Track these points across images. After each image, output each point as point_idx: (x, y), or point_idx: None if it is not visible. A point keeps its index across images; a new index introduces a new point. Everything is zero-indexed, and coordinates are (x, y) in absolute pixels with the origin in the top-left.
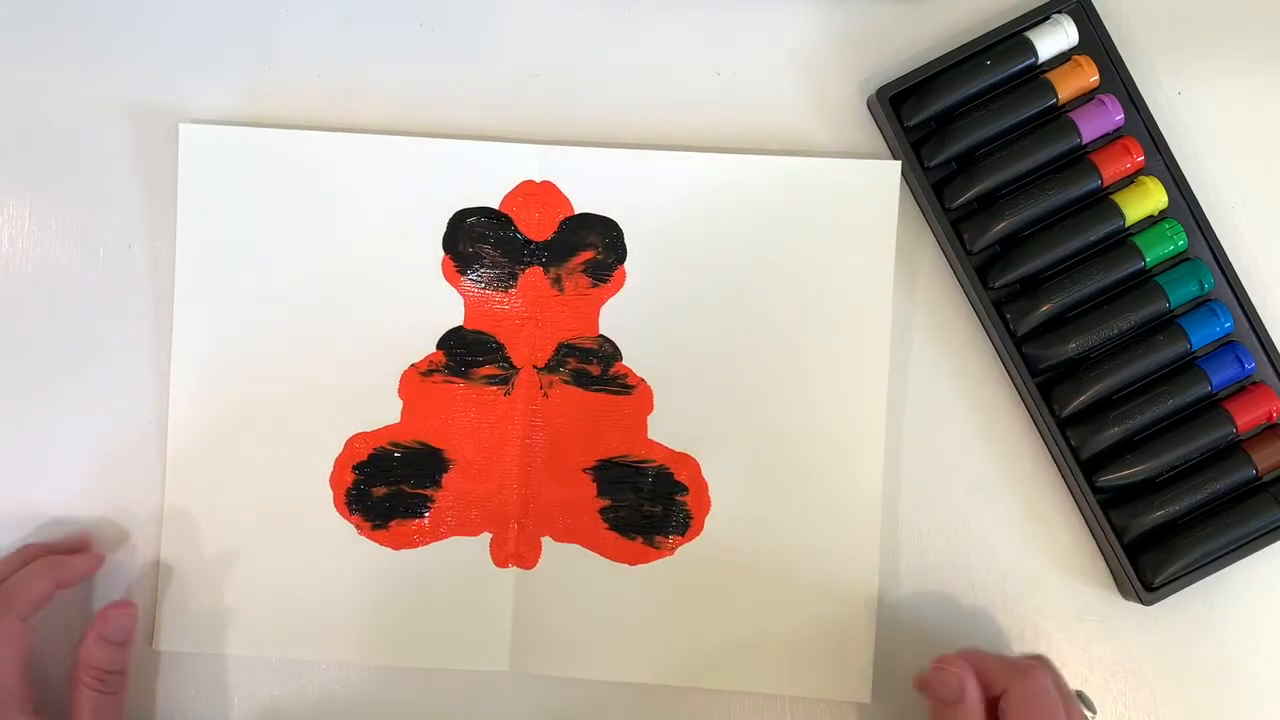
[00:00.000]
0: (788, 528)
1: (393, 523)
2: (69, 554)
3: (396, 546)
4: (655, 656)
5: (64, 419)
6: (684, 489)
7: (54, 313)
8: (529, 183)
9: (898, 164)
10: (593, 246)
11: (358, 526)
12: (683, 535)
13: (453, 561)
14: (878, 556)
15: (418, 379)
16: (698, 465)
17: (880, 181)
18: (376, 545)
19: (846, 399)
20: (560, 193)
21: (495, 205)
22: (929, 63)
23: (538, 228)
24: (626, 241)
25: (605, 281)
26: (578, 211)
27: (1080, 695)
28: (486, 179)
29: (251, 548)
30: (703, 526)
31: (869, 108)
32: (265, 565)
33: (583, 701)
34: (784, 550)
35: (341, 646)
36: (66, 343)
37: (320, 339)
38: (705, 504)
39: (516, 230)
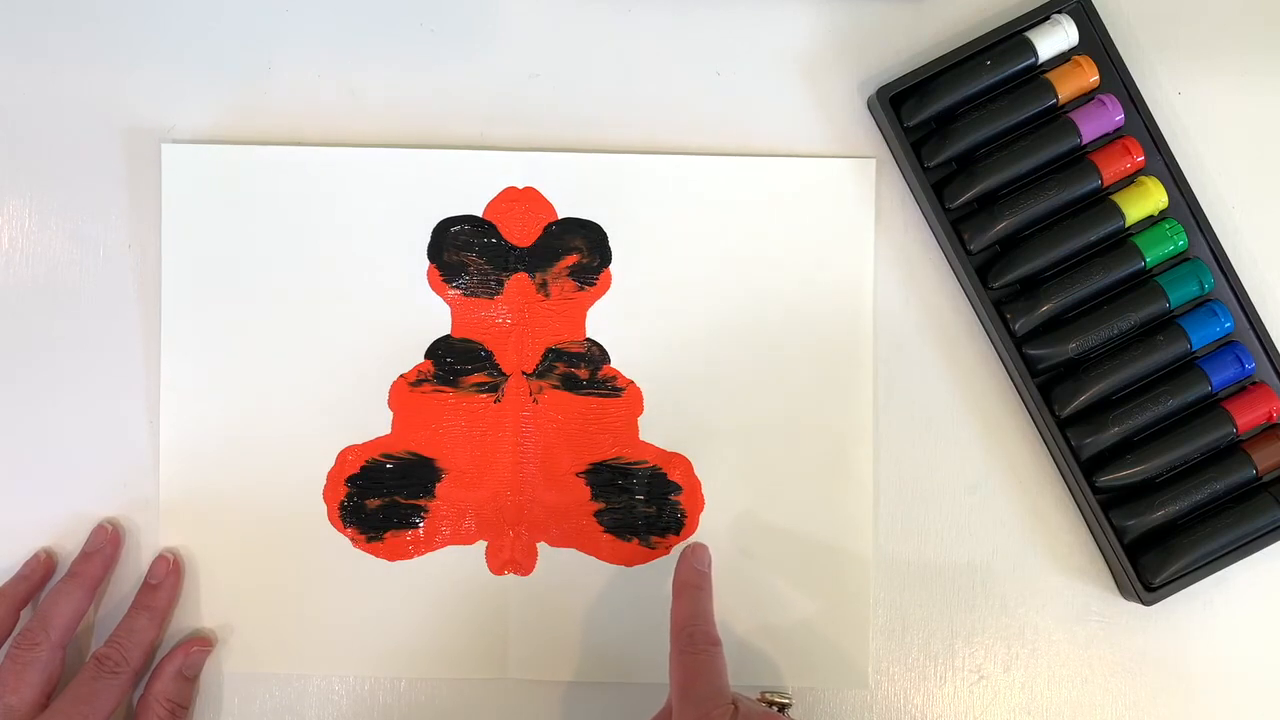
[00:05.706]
0: (782, 522)
1: (387, 534)
2: (90, 559)
3: (392, 558)
4: (655, 657)
5: (61, 425)
6: (677, 488)
7: (54, 313)
8: (511, 189)
9: (873, 160)
10: (577, 250)
11: (353, 539)
12: (678, 534)
13: (449, 571)
14: (872, 546)
15: (407, 389)
16: (690, 464)
17: (858, 179)
18: (372, 558)
19: (833, 392)
20: (543, 198)
21: (479, 213)
22: (929, 63)
23: (521, 234)
24: (611, 244)
25: (591, 285)
26: (561, 216)
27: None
28: (469, 187)
29: (247, 563)
30: (697, 525)
31: (869, 108)
32: (262, 580)
33: (585, 704)
34: (779, 544)
35: (341, 659)
36: (66, 343)
37: (308, 353)
38: (699, 502)
39: (500, 237)
